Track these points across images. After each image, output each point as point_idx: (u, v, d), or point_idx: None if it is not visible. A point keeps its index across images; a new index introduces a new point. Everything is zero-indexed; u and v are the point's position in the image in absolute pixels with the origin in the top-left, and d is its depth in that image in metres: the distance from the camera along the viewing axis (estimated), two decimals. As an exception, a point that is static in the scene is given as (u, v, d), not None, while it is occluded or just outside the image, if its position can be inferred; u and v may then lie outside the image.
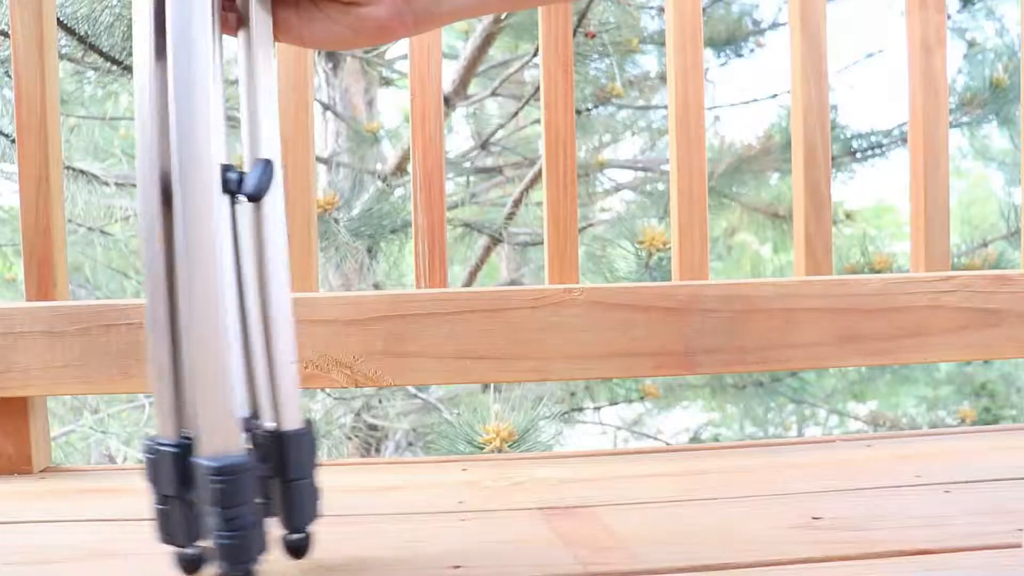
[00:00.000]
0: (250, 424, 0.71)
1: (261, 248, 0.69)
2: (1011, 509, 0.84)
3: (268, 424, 0.70)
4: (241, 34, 0.69)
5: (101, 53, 1.75)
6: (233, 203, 0.65)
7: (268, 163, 0.67)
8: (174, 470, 0.67)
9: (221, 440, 0.63)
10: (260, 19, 0.68)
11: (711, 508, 0.88)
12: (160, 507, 0.68)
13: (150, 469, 0.68)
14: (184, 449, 0.67)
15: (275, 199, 0.69)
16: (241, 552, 0.64)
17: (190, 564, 0.70)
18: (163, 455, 0.67)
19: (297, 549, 0.73)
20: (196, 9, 0.61)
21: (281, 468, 0.70)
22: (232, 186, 0.64)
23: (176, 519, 0.68)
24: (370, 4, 0.65)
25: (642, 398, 3.08)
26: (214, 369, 0.62)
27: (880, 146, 2.74)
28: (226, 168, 0.64)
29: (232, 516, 0.64)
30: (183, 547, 0.69)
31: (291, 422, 0.71)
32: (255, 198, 0.66)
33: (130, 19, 1.71)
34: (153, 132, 0.65)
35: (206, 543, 0.69)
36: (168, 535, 0.69)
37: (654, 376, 2.64)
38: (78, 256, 2.74)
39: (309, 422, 0.73)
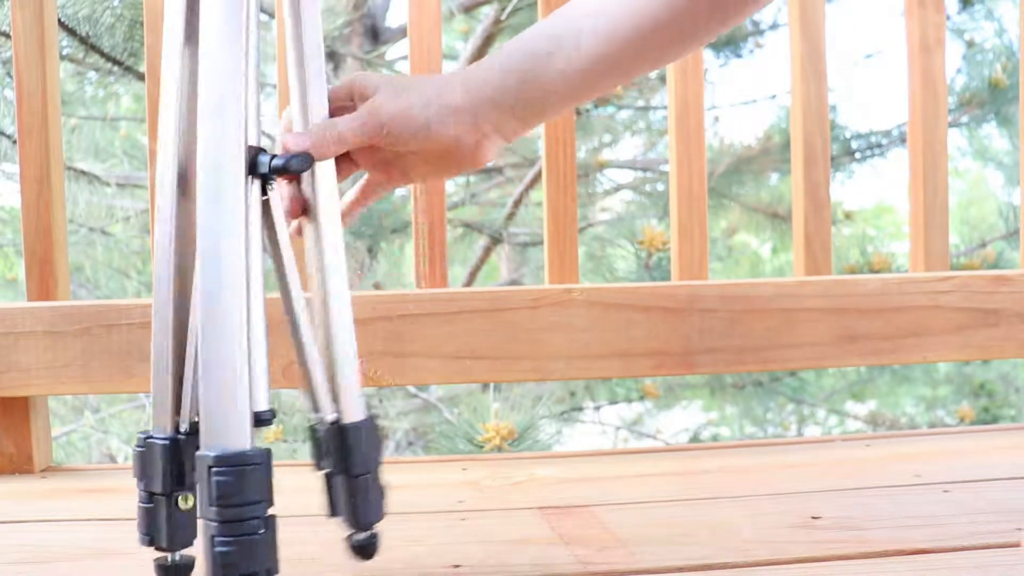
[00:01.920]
0: (311, 419, 0.69)
1: (320, 248, 0.68)
2: (1011, 509, 0.84)
3: (329, 416, 0.68)
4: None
5: (102, 54, 1.75)
6: (266, 189, 0.63)
7: (307, 155, 0.64)
8: (165, 465, 0.64)
9: (227, 429, 0.58)
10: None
11: (711, 508, 0.88)
12: (145, 505, 0.65)
13: (139, 464, 0.65)
14: (177, 443, 0.64)
15: (331, 202, 0.67)
16: (241, 563, 0.56)
17: (173, 573, 0.66)
18: (154, 448, 0.64)
19: (364, 548, 0.70)
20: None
21: (344, 462, 0.68)
22: (263, 168, 0.61)
23: (162, 520, 0.64)
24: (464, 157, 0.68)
25: (642, 398, 3.08)
26: (224, 356, 0.58)
27: (879, 146, 2.74)
28: (257, 151, 0.61)
29: (234, 517, 0.56)
30: (166, 552, 0.65)
31: (353, 414, 0.68)
32: (283, 171, 0.63)
33: (131, 20, 1.71)
34: (177, 116, 0.64)
35: (191, 551, 0.66)
36: (150, 537, 0.65)
37: (654, 376, 2.65)
38: (79, 256, 2.74)
39: (373, 416, 0.70)
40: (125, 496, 0.96)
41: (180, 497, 0.64)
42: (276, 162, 0.62)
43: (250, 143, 0.61)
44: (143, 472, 0.65)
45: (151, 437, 0.65)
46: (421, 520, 0.86)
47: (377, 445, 0.70)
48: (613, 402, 3.19)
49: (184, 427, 0.64)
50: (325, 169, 0.67)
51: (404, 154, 0.69)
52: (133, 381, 1.01)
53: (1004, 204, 2.57)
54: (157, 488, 0.64)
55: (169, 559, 0.66)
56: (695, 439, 3.76)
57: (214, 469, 0.56)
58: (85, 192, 2.12)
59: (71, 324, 1.00)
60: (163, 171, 0.64)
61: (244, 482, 0.57)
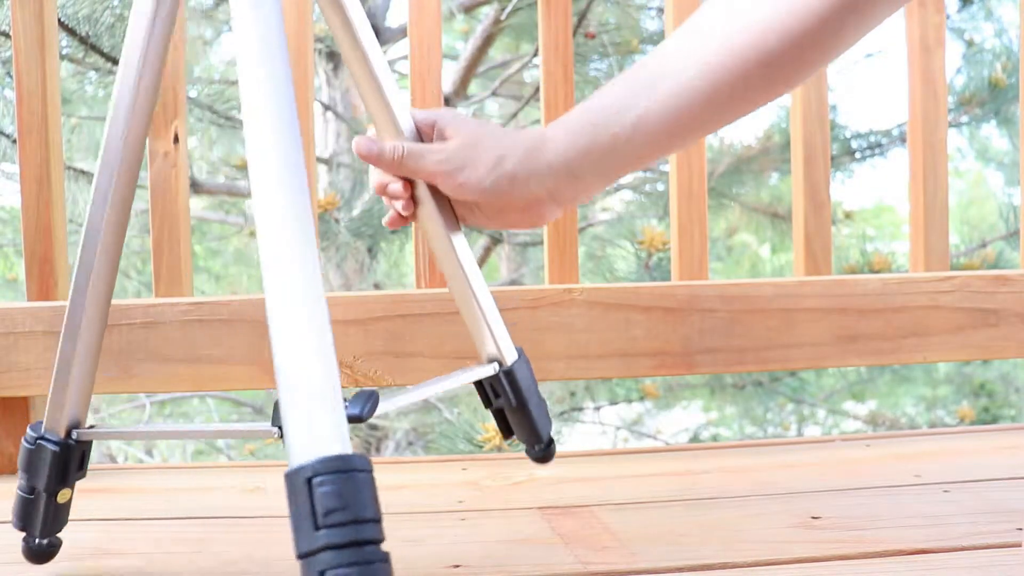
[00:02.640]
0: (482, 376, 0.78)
1: (443, 227, 0.73)
2: (1010, 509, 0.84)
3: (491, 368, 0.77)
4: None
5: (102, 53, 1.75)
6: None
7: (374, 393, 0.66)
8: (53, 467, 0.68)
9: (323, 433, 0.47)
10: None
11: (711, 508, 0.88)
12: (26, 496, 0.69)
13: (27, 459, 0.69)
14: (65, 449, 0.68)
15: (437, 196, 0.72)
16: None
17: (39, 555, 0.72)
18: (45, 450, 0.68)
19: (546, 457, 0.83)
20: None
21: (517, 397, 0.78)
22: None
23: (39, 512, 0.69)
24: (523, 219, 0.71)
25: (642, 398, 3.08)
26: (309, 346, 0.49)
27: (879, 146, 2.74)
28: None
29: (350, 539, 0.45)
30: (37, 539, 0.71)
31: (511, 356, 0.78)
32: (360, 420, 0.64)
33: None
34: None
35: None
36: (25, 524, 0.70)
37: (654, 376, 2.64)
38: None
39: (519, 349, 0.79)
40: (125, 496, 0.96)
41: (60, 493, 0.69)
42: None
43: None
44: (29, 466, 0.69)
45: (43, 438, 0.68)
46: (421, 520, 0.86)
47: (530, 370, 0.80)
48: (613, 402, 3.19)
49: (77, 434, 0.68)
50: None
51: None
52: (133, 381, 1.01)
53: (1004, 204, 2.57)
54: (41, 485, 0.68)
55: (37, 543, 0.71)
56: (695, 439, 3.76)
57: (317, 480, 0.45)
58: (85, 192, 2.12)
59: (71, 324, 1.00)
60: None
61: (357, 492, 0.46)
